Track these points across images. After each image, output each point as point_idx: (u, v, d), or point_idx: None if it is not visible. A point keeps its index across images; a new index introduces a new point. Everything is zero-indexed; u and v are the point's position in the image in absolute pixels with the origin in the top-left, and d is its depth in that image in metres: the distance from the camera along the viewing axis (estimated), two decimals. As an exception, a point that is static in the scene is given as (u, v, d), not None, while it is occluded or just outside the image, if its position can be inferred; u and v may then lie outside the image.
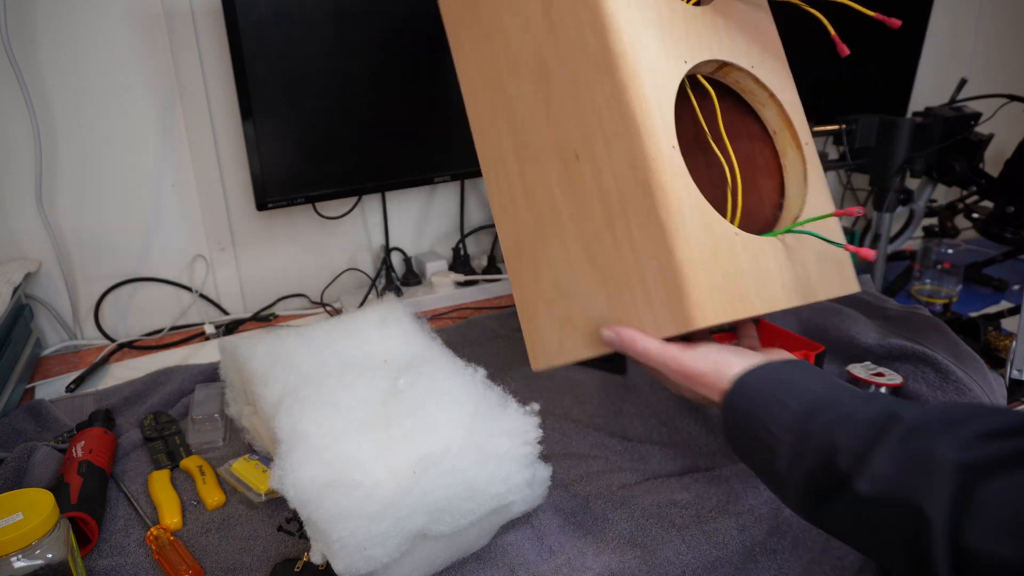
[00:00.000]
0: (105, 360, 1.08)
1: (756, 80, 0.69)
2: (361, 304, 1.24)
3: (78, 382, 1.00)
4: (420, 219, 1.37)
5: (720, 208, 0.64)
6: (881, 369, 0.91)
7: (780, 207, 0.74)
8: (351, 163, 1.14)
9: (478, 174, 1.27)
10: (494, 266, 1.35)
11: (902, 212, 1.38)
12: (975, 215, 1.40)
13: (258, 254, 1.26)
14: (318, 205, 1.24)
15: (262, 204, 1.09)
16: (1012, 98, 1.35)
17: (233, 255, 1.24)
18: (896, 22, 0.62)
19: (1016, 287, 1.37)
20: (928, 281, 1.32)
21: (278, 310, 1.27)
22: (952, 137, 1.27)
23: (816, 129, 1.16)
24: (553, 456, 0.77)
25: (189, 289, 1.22)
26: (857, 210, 0.65)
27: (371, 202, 1.31)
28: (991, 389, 0.90)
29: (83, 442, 0.77)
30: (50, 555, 0.54)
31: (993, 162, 1.34)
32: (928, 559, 0.40)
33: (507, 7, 0.71)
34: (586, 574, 0.65)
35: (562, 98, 0.66)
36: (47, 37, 1.02)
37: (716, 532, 0.69)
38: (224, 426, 0.86)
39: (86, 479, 0.71)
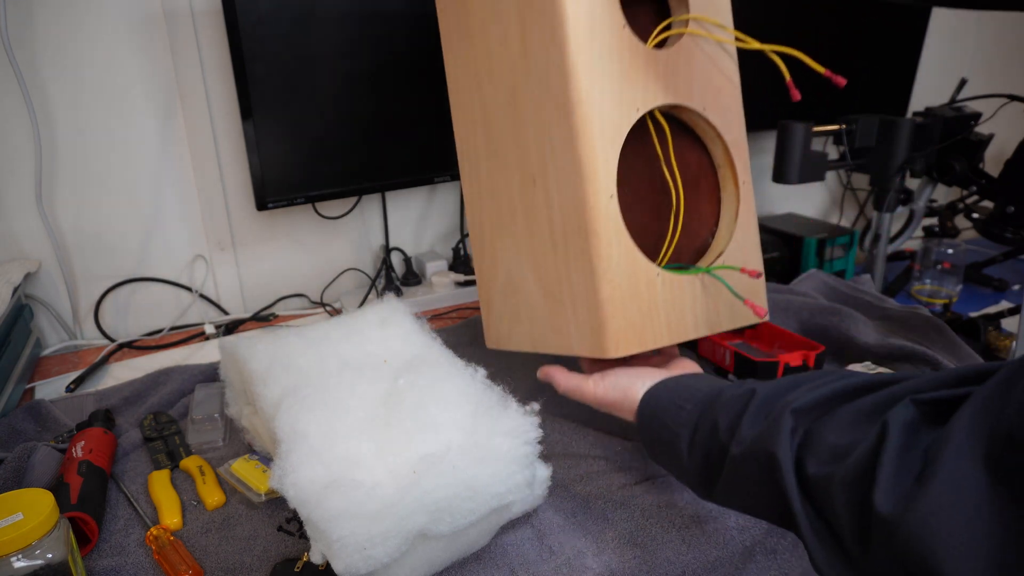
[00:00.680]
0: (105, 360, 1.08)
1: (706, 120, 0.75)
2: (361, 304, 1.24)
3: (78, 382, 1.00)
4: (420, 219, 1.37)
5: (664, 225, 0.74)
6: (881, 369, 0.91)
7: (715, 229, 0.81)
8: (351, 163, 1.14)
9: (478, 174, 1.28)
10: (494, 266, 1.35)
11: (902, 212, 1.38)
12: (975, 215, 1.40)
13: (258, 254, 1.26)
14: (318, 205, 1.24)
15: (262, 204, 1.09)
16: (1012, 98, 1.35)
17: (233, 255, 1.24)
18: (841, 80, 0.68)
19: (1016, 287, 1.37)
20: (928, 281, 1.32)
21: (278, 310, 1.27)
22: (952, 137, 1.27)
23: (816, 129, 1.16)
24: (553, 456, 0.77)
25: (189, 289, 1.22)
26: (756, 273, 0.76)
27: (371, 202, 1.31)
28: (991, 389, 0.90)
29: (83, 442, 0.77)
30: (50, 555, 0.54)
31: (993, 162, 1.34)
32: (785, 495, 0.48)
33: (492, 17, 0.74)
34: (586, 574, 0.64)
35: (526, 123, 0.72)
36: (47, 38, 1.02)
37: (716, 532, 0.69)
38: (224, 426, 0.86)
39: (86, 479, 0.71)
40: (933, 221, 1.49)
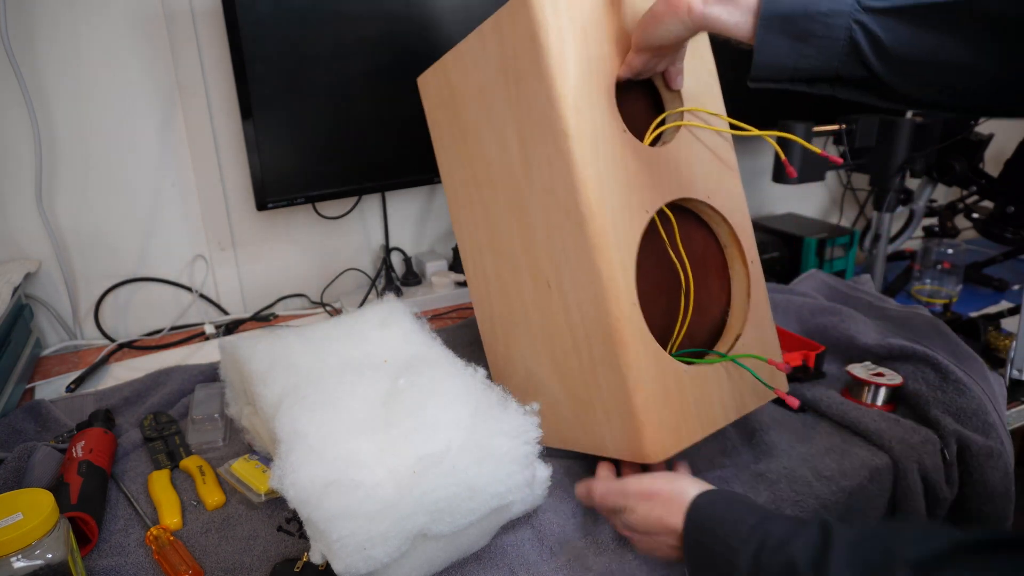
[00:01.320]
0: (105, 360, 1.08)
1: (710, 206, 0.74)
2: (361, 304, 1.24)
3: (78, 382, 1.00)
4: (420, 219, 1.37)
5: (674, 302, 0.73)
6: (881, 369, 0.91)
7: (727, 306, 0.79)
8: (351, 163, 1.14)
9: (478, 174, 1.27)
10: (494, 266, 1.35)
11: (902, 212, 1.38)
12: (975, 215, 1.40)
13: (258, 254, 1.26)
14: (318, 205, 1.24)
15: (262, 204, 1.09)
16: (1012, 98, 1.34)
17: (233, 255, 1.24)
18: (838, 160, 0.68)
19: (1016, 287, 1.37)
20: (928, 281, 1.32)
21: (278, 310, 1.27)
22: (952, 137, 1.27)
23: (816, 129, 1.16)
24: (553, 456, 0.77)
25: (189, 289, 1.22)
26: (784, 366, 0.74)
27: (371, 202, 1.31)
28: (991, 389, 0.90)
29: (83, 442, 0.77)
30: (50, 555, 0.54)
31: (993, 162, 1.34)
32: None
33: (487, 125, 0.73)
34: (586, 574, 0.64)
35: (534, 228, 0.71)
36: (47, 37, 1.02)
37: (716, 532, 0.69)
38: (224, 426, 0.86)
39: (86, 479, 0.71)
40: (933, 221, 1.49)
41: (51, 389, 1.00)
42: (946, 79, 0.53)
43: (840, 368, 0.96)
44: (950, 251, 1.30)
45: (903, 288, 1.36)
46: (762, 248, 1.16)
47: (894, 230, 1.39)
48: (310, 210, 1.25)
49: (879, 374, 0.90)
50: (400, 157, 1.17)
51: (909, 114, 1.28)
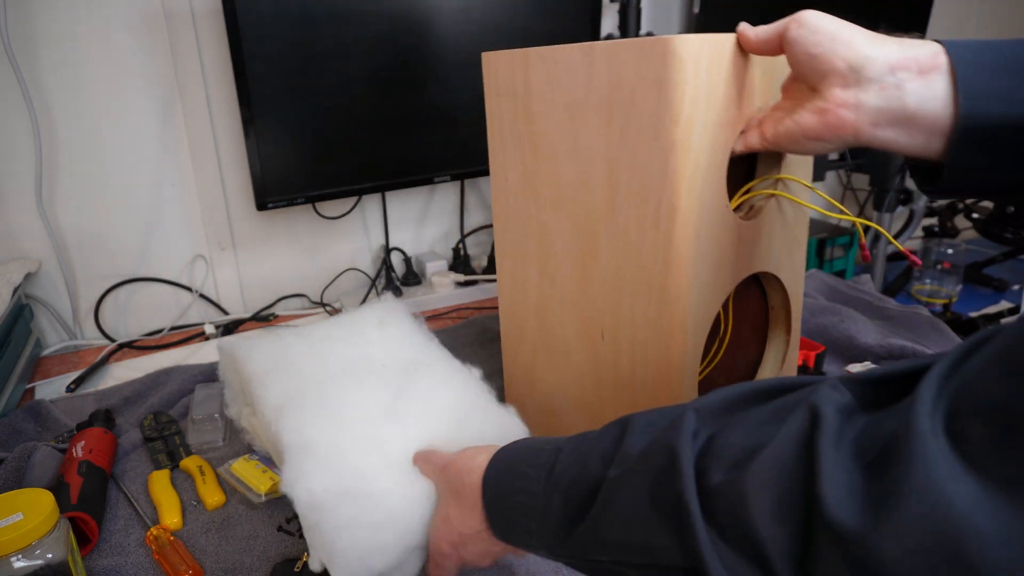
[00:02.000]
0: (105, 360, 1.08)
1: (775, 276, 0.71)
2: (361, 304, 1.24)
3: (78, 382, 1.00)
4: (420, 219, 1.37)
5: (708, 346, 0.70)
6: (881, 369, 0.91)
7: (758, 360, 0.78)
8: (351, 163, 1.14)
9: (478, 174, 1.28)
10: (494, 266, 1.35)
11: (902, 212, 1.38)
12: (975, 215, 1.40)
13: (258, 254, 1.26)
14: (318, 205, 1.24)
15: (262, 204, 1.09)
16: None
17: (233, 255, 1.24)
18: (918, 261, 0.64)
19: (1016, 287, 1.37)
20: (928, 281, 1.32)
21: (278, 310, 1.27)
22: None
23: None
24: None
25: (189, 289, 1.22)
26: None
27: (371, 202, 1.31)
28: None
29: (83, 442, 0.77)
30: (50, 555, 0.54)
31: (993, 162, 1.34)
32: (684, 509, 0.36)
33: (568, 144, 0.65)
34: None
35: (599, 278, 0.65)
36: (47, 38, 1.02)
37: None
38: (224, 426, 0.86)
39: (86, 479, 0.71)
40: (933, 221, 1.49)
41: (51, 389, 1.00)
42: None
43: (840, 368, 0.96)
44: (950, 251, 1.30)
45: (903, 288, 1.36)
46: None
47: (894, 230, 1.39)
48: (310, 210, 1.25)
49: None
50: (400, 157, 1.17)
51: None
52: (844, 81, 0.49)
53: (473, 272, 1.34)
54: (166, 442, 0.83)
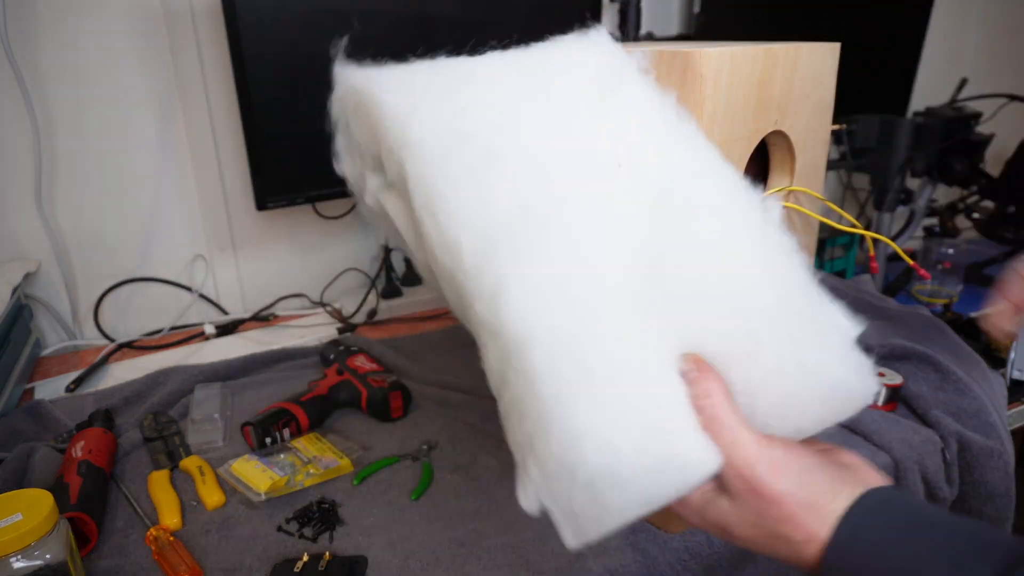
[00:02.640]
0: (105, 360, 1.08)
1: None
2: (360, 305, 1.24)
3: (78, 382, 1.00)
4: (420, 219, 1.37)
5: None
6: (881, 369, 0.91)
7: None
8: (351, 163, 1.14)
9: (478, 174, 1.27)
10: (494, 266, 1.35)
11: (902, 212, 1.38)
12: (975, 215, 1.40)
13: (258, 254, 1.26)
14: (318, 205, 1.24)
15: (262, 204, 1.09)
16: (1012, 98, 1.35)
17: (233, 255, 1.24)
18: (926, 274, 0.64)
19: (1016, 287, 1.37)
20: (928, 281, 1.32)
21: (278, 310, 1.27)
22: (953, 137, 1.27)
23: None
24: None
25: (189, 289, 1.22)
26: None
27: (371, 202, 1.30)
28: (991, 389, 0.90)
29: (83, 442, 0.77)
30: (49, 556, 0.54)
31: (993, 162, 1.34)
32: None
33: None
34: (587, 575, 0.64)
35: None
36: (47, 38, 1.02)
37: (716, 532, 0.68)
38: (224, 426, 0.86)
39: (86, 479, 0.71)
40: (933, 221, 1.49)
41: (51, 389, 1.00)
42: None
43: None
44: (950, 251, 1.30)
45: (903, 288, 1.35)
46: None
47: (894, 230, 1.39)
48: (310, 210, 1.25)
49: (879, 374, 0.90)
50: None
51: (909, 114, 1.28)
52: None
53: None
54: (166, 442, 0.83)
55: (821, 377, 0.43)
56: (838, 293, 0.47)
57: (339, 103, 0.58)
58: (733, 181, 0.48)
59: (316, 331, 1.17)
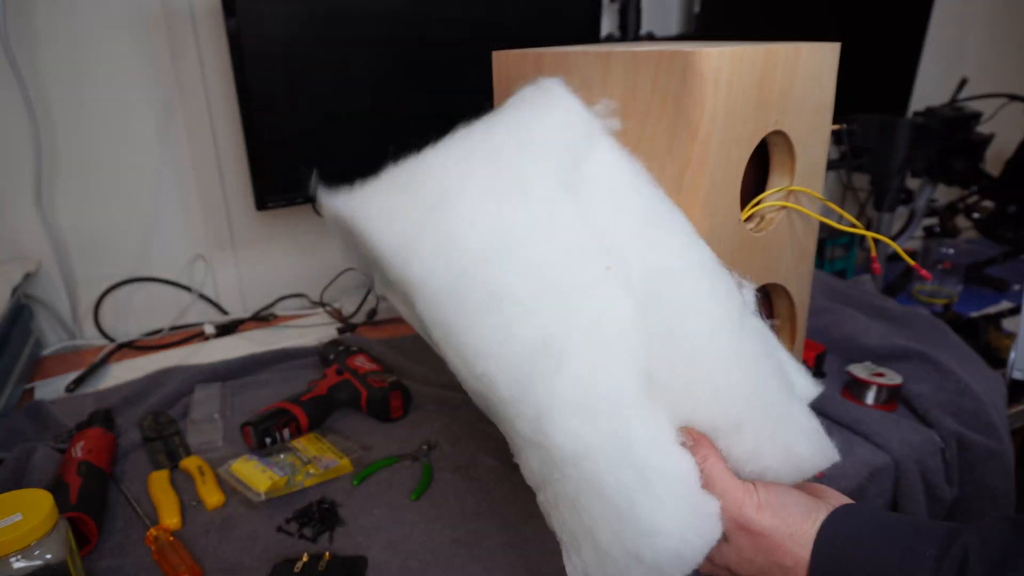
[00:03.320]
0: (105, 360, 1.08)
1: (783, 287, 0.70)
2: (360, 305, 1.23)
3: (78, 382, 1.00)
4: (420, 219, 1.37)
5: None
6: (881, 369, 0.91)
7: None
8: (351, 163, 1.14)
9: (478, 174, 1.27)
10: (494, 266, 1.35)
11: (902, 212, 1.38)
12: (976, 215, 1.40)
13: (258, 254, 1.26)
14: (318, 205, 1.24)
15: (262, 204, 1.09)
16: (1012, 98, 1.35)
17: (233, 255, 1.24)
18: (927, 275, 0.66)
19: (1016, 287, 1.37)
20: (928, 281, 1.32)
21: (278, 310, 1.27)
22: (953, 137, 1.27)
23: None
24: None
25: (189, 289, 1.22)
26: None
27: (371, 202, 1.30)
28: (991, 389, 0.90)
29: (82, 442, 0.77)
30: (49, 556, 0.54)
31: (993, 162, 1.34)
32: None
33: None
34: (586, 574, 0.64)
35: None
36: (47, 38, 1.02)
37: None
38: (223, 426, 0.86)
39: (85, 479, 0.71)
40: (933, 221, 1.49)
41: (51, 389, 1.00)
42: None
43: (840, 368, 0.96)
44: (950, 251, 1.30)
45: (903, 288, 1.35)
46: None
47: (894, 230, 1.39)
48: (310, 210, 1.25)
49: (879, 374, 0.90)
50: (400, 157, 1.17)
51: (909, 114, 1.28)
52: None
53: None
54: (166, 442, 0.83)
55: (790, 452, 0.51)
56: (838, 294, 0.48)
57: (330, 221, 0.62)
58: (712, 271, 0.51)
59: (316, 331, 1.17)
